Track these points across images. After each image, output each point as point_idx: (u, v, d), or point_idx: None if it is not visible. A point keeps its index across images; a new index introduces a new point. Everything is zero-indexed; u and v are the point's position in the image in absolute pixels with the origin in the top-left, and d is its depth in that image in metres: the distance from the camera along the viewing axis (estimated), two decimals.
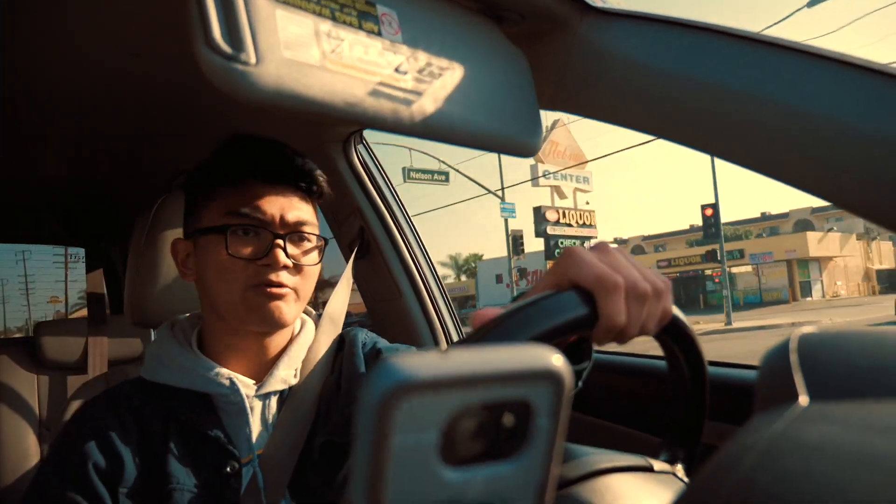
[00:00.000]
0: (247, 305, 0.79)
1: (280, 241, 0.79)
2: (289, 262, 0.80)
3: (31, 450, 1.52)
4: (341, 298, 1.04)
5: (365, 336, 0.95)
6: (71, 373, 1.64)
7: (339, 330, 0.97)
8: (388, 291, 1.49)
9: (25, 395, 1.56)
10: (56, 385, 1.62)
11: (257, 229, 0.80)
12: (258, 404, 0.82)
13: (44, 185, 1.72)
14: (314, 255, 0.84)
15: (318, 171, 0.87)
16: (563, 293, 0.44)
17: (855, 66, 0.49)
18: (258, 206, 0.80)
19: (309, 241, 0.84)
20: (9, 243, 2.58)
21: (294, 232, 0.82)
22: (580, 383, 0.55)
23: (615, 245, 0.50)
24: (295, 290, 0.81)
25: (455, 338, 1.48)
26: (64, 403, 1.55)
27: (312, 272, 0.84)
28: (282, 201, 0.81)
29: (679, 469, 0.55)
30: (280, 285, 0.79)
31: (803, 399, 0.25)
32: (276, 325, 0.81)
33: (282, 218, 0.81)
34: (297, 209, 0.83)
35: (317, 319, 0.96)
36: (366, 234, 1.46)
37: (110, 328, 1.71)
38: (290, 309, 0.81)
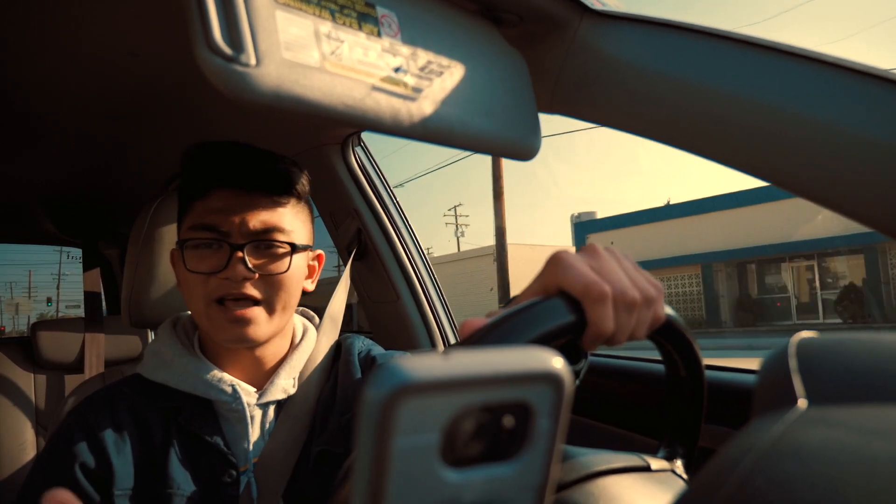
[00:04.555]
0: (211, 321, 0.77)
1: (239, 253, 0.76)
2: (249, 274, 0.76)
3: (28, 448, 1.52)
4: (340, 299, 1.06)
5: (361, 344, 0.94)
6: (68, 372, 1.64)
7: (338, 329, 0.97)
8: (386, 294, 1.49)
9: (22, 393, 1.56)
10: (53, 384, 1.62)
11: (219, 241, 0.77)
12: (258, 413, 0.82)
13: (40, 184, 1.72)
14: (283, 262, 0.79)
15: (294, 170, 0.83)
16: (550, 300, 0.43)
17: (856, 72, 0.49)
18: (219, 217, 0.77)
19: (279, 247, 0.79)
20: (4, 243, 2.58)
21: (257, 240, 0.78)
22: (578, 381, 0.54)
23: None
24: (266, 302, 0.78)
25: (453, 340, 1.48)
26: (61, 402, 1.55)
27: (284, 280, 0.79)
28: (246, 208, 0.78)
29: (678, 465, 0.55)
30: (244, 297, 0.76)
31: (802, 403, 0.25)
32: (246, 343, 0.79)
33: (244, 226, 0.77)
34: (263, 214, 0.78)
35: (318, 325, 0.95)
36: (363, 237, 1.46)
37: (107, 328, 1.70)
38: (261, 327, 0.78)
